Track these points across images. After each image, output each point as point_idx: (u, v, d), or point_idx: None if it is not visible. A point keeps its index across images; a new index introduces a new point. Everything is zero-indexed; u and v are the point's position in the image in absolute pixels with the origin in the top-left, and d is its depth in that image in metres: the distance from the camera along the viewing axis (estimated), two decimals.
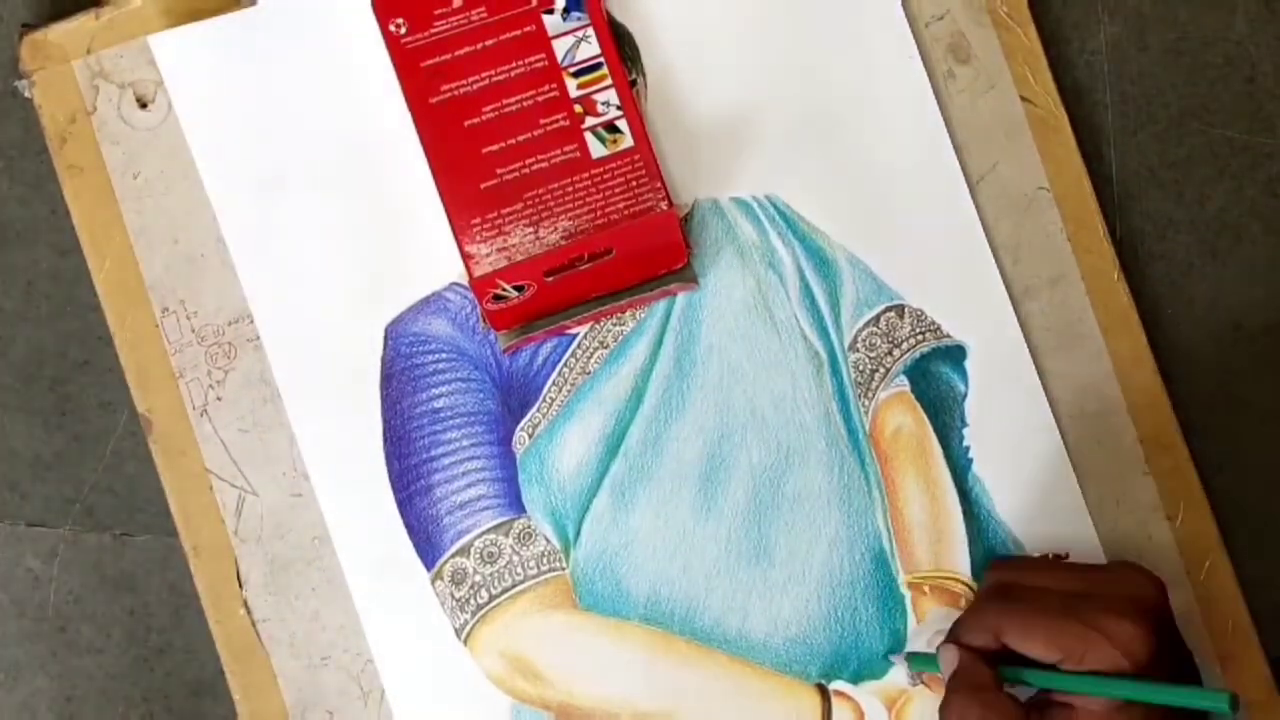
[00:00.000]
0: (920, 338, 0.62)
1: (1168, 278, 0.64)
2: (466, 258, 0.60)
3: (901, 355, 0.62)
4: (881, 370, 0.61)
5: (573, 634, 0.61)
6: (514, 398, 0.61)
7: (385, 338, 0.61)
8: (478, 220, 0.60)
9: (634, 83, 0.61)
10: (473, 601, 0.61)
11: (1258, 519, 0.63)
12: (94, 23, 0.61)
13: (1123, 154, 0.64)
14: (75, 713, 0.63)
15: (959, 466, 0.61)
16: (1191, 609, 0.61)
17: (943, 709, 0.56)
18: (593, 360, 0.61)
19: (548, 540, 0.61)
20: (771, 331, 0.62)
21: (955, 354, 0.62)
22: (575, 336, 0.61)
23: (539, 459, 0.61)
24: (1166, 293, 0.64)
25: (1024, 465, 0.61)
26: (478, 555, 0.61)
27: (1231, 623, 0.61)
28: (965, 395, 0.61)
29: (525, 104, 0.60)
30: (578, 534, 0.61)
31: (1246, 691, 0.60)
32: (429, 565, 0.61)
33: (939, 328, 0.62)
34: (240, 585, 0.61)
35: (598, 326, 0.61)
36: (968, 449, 0.61)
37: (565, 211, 0.60)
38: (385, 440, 0.61)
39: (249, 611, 0.61)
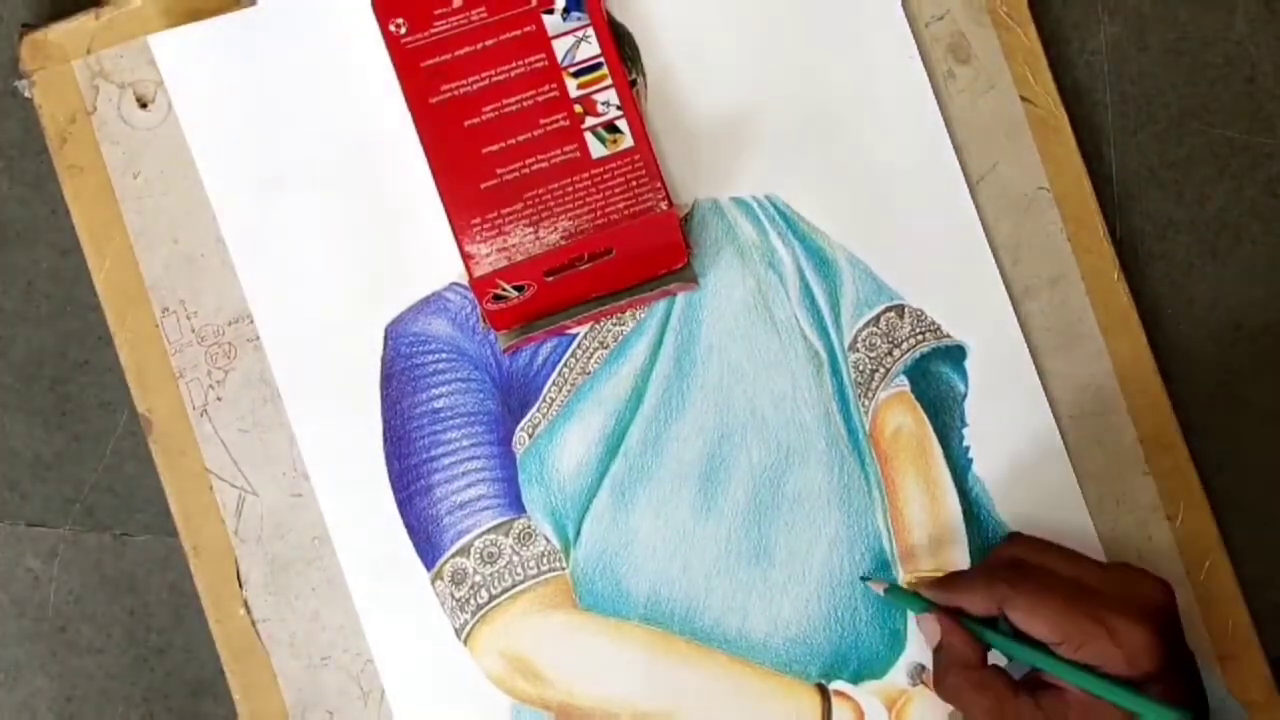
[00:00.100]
0: (920, 338, 0.62)
1: (1168, 278, 0.64)
2: (466, 258, 0.60)
3: (901, 355, 0.61)
4: (881, 370, 0.61)
5: (573, 634, 0.61)
6: (514, 398, 0.61)
7: (385, 338, 0.61)
8: (478, 220, 0.60)
9: (634, 83, 0.61)
10: (473, 601, 0.61)
11: (1258, 519, 0.63)
12: (94, 23, 0.61)
13: (1123, 154, 0.64)
14: (75, 713, 0.63)
15: (959, 466, 0.61)
16: (1191, 609, 0.61)
17: (937, 685, 0.57)
18: (593, 360, 0.61)
19: (548, 540, 0.61)
20: (771, 331, 0.62)
21: (955, 354, 0.62)
22: (575, 336, 0.61)
23: (539, 459, 0.61)
24: (1166, 293, 0.64)
25: (1024, 465, 0.61)
26: (478, 555, 0.61)
27: (1231, 623, 0.61)
28: (965, 395, 0.61)
29: (525, 104, 0.60)
30: (578, 534, 0.61)
31: (1247, 692, 0.61)
32: (429, 565, 0.61)
33: (939, 328, 0.62)
34: (240, 585, 0.61)
35: (598, 326, 0.61)
36: (968, 449, 0.61)
37: (565, 211, 0.60)
38: (385, 440, 0.61)
39: (249, 611, 0.61)
